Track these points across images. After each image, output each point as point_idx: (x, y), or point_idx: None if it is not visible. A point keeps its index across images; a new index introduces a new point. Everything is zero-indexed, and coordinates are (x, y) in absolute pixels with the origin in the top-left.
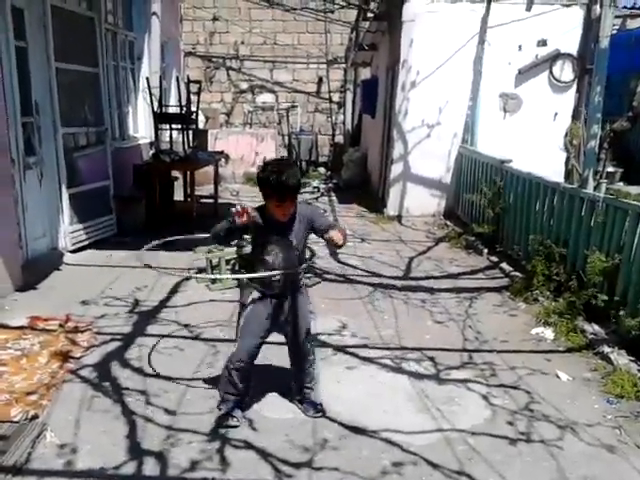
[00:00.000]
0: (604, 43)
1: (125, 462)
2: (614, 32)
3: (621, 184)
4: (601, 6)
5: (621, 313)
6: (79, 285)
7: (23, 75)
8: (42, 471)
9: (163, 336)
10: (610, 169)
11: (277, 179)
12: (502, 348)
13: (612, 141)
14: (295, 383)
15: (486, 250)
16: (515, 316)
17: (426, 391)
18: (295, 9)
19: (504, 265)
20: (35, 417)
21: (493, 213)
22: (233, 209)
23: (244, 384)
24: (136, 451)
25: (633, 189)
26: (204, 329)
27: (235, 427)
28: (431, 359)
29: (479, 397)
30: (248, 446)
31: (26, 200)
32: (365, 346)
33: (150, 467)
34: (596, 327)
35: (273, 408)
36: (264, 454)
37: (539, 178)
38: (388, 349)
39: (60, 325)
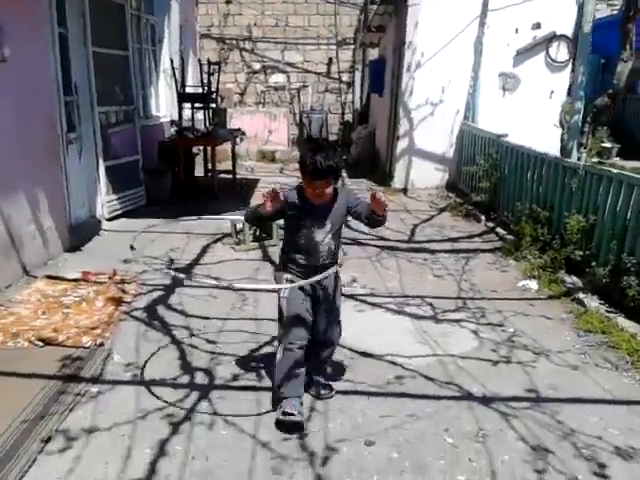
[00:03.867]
0: (586, 28)
1: (180, 375)
2: (615, 12)
3: (617, 159)
4: None
5: (594, 264)
6: (119, 247)
7: (64, 59)
8: (114, 381)
9: (199, 286)
10: (607, 145)
11: (311, 158)
12: (492, 296)
13: (595, 116)
14: (309, 371)
15: (484, 217)
16: (505, 272)
17: (424, 328)
18: None
19: (499, 230)
20: (102, 344)
21: (490, 183)
22: (264, 192)
23: (301, 370)
24: (187, 368)
25: (628, 164)
26: (233, 281)
27: (299, 422)
28: (430, 304)
29: (469, 332)
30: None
31: (69, 172)
32: (372, 294)
33: (200, 378)
34: (574, 278)
35: None
36: None
37: (529, 150)
38: (392, 297)
39: (109, 278)
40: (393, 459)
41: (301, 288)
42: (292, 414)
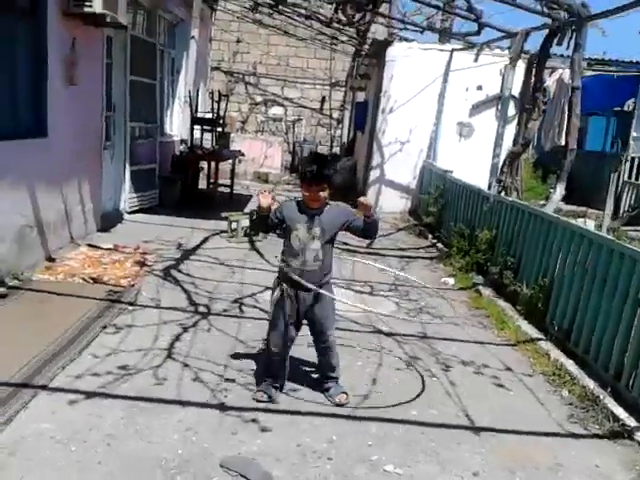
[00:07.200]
0: (506, 93)
1: (188, 305)
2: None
3: (562, 203)
4: (512, 67)
5: (489, 265)
6: (139, 232)
7: (108, 83)
8: (144, 305)
9: (200, 260)
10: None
11: (310, 167)
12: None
13: (512, 160)
14: (318, 372)
15: (430, 235)
16: (435, 272)
17: (362, 297)
18: (306, 39)
19: (439, 245)
20: (133, 285)
21: (437, 209)
22: (260, 190)
23: (280, 369)
24: (193, 303)
25: (566, 207)
26: (226, 260)
27: (266, 402)
28: (370, 286)
29: (393, 303)
30: (255, 307)
31: (103, 172)
32: None
33: (201, 308)
34: (480, 277)
35: None
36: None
37: (463, 182)
38: (343, 280)
39: (134, 249)
40: None
41: (288, 295)
42: (262, 400)
